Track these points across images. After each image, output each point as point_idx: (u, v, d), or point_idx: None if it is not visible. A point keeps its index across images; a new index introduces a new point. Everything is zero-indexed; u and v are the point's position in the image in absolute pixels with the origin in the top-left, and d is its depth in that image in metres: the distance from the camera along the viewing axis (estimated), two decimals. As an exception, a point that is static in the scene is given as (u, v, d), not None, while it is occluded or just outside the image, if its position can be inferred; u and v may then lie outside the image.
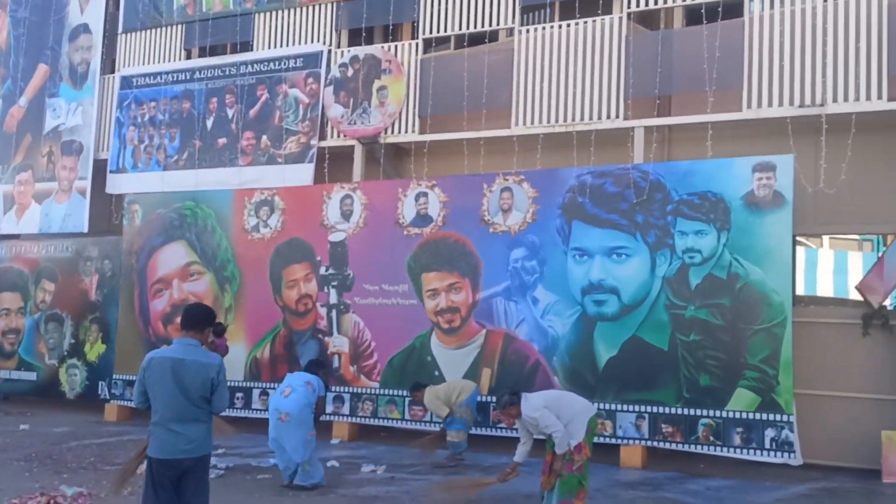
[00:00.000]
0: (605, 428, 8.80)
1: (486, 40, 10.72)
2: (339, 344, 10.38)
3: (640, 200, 8.96)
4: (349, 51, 11.40)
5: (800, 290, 9.94)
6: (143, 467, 4.77)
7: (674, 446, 8.60)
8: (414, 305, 9.98)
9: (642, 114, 9.71)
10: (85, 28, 13.75)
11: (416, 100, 10.84)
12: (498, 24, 10.59)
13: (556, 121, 10.02)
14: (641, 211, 8.95)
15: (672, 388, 8.59)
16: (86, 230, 13.01)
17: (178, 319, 4.86)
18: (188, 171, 12.21)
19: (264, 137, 11.70)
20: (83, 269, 12.70)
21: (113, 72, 13.47)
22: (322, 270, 10.60)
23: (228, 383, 4.65)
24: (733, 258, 8.51)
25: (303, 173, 11.33)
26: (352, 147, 11.21)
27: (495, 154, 10.39)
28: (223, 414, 5.07)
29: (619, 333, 8.89)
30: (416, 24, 11.18)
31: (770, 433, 8.14)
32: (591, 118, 9.85)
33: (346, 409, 10.24)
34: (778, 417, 8.11)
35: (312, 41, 11.71)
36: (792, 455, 8.05)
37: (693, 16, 9.86)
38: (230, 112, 12.05)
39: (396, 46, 11.13)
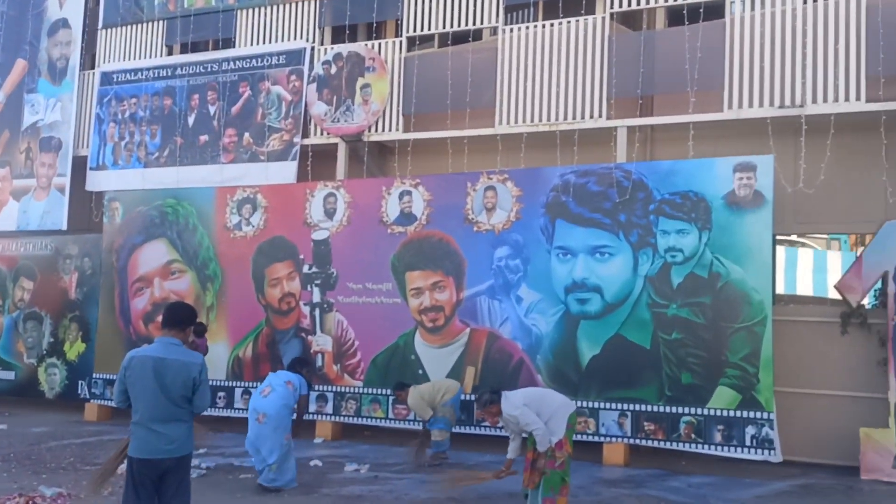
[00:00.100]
0: (588, 426, 8.86)
1: (470, 39, 10.75)
2: (322, 343, 10.36)
3: (622, 200, 9.02)
4: (332, 48, 11.36)
5: (780, 289, 10.06)
6: (123, 467, 4.74)
7: (656, 444, 8.67)
8: (398, 304, 9.98)
9: (625, 114, 9.77)
10: (64, 23, 13.59)
11: (400, 98, 10.83)
12: (482, 23, 10.60)
13: (540, 120, 10.06)
14: (624, 210, 9.01)
15: (654, 386, 8.66)
16: (65, 227, 12.87)
17: (160, 318, 4.83)
18: (169, 169, 12.11)
19: (246, 135, 11.63)
20: (62, 267, 12.56)
21: (93, 67, 13.34)
22: (305, 269, 10.56)
23: (210, 382, 4.61)
24: (714, 257, 8.59)
25: (286, 171, 11.28)
26: (335, 145, 11.18)
27: (479, 153, 10.41)
28: (205, 414, 5.05)
29: (602, 332, 8.94)
30: (399, 22, 11.17)
31: (750, 430, 8.23)
32: (574, 118, 9.90)
33: (329, 408, 10.22)
34: (758, 415, 8.20)
35: (295, 38, 11.65)
36: (772, 452, 8.15)
37: (675, 17, 9.94)
38: (212, 109, 11.96)
39: (380, 44, 11.11)
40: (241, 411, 10.51)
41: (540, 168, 9.73)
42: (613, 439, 8.80)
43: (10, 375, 12.77)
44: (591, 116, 9.81)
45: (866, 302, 9.07)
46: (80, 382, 12.08)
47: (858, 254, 9.04)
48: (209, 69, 12.06)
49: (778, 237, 9.76)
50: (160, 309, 10.45)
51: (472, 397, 9.16)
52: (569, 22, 10.03)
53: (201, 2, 12.39)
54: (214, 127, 11.88)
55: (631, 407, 8.75)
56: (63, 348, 12.34)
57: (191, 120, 12.10)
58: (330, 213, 10.53)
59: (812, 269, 11.13)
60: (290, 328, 10.57)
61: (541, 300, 9.27)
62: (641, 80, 9.53)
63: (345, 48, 11.21)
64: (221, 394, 10.79)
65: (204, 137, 11.94)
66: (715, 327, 8.47)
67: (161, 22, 12.72)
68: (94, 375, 11.75)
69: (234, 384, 10.82)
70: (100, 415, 11.65)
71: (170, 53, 12.72)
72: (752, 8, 9.23)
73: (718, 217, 8.60)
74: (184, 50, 12.57)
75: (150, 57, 12.72)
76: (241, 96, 11.77)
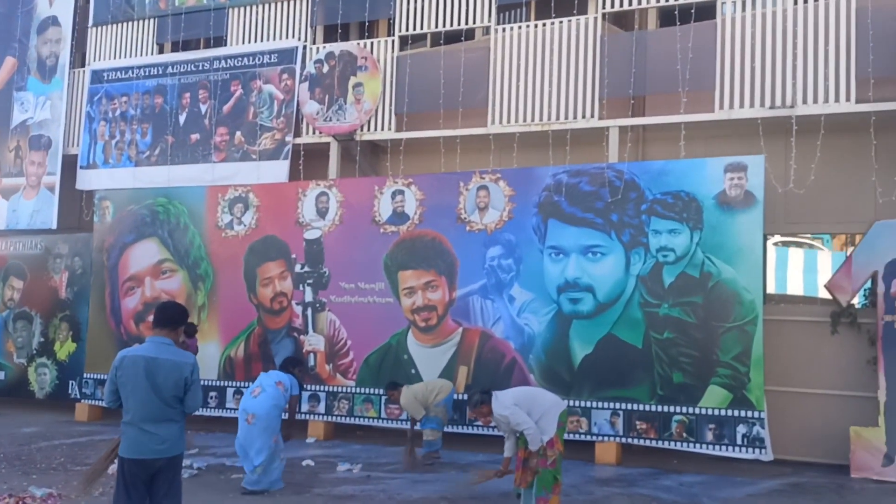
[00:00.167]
0: (580, 425, 8.88)
1: (463, 38, 10.75)
2: (314, 342, 10.34)
3: (614, 199, 9.04)
4: (325, 47, 11.34)
5: (770, 289, 10.11)
6: (114, 467, 4.71)
7: (648, 443, 8.70)
8: (390, 303, 9.97)
9: (617, 114, 9.80)
10: (54, 21, 13.51)
11: (393, 97, 10.82)
12: (474, 23, 10.61)
13: (532, 120, 10.07)
14: (616, 210, 9.03)
15: (646, 385, 8.69)
16: (55, 226, 12.81)
17: (151, 318, 4.80)
18: (160, 168, 12.07)
19: (238, 133, 11.60)
20: (53, 266, 12.50)
21: (83, 65, 13.27)
22: (297, 268, 10.54)
23: (202, 382, 4.60)
24: (706, 257, 8.63)
25: (277, 170, 11.25)
26: (327, 144, 11.16)
27: (472, 152, 10.42)
28: (196, 414, 5.03)
29: (595, 331, 8.97)
30: (392, 21, 11.17)
31: (742, 429, 8.27)
32: (566, 117, 9.92)
33: (321, 407, 10.21)
34: (749, 414, 8.25)
35: (287, 37, 11.63)
36: (763, 451, 8.19)
37: (666, 17, 9.98)
38: (203, 108, 11.92)
39: (372, 43, 11.10)
40: (232, 411, 10.47)
41: (532, 168, 9.74)
42: (605, 438, 8.83)
43: (0, 375, 12.69)
44: (584, 116, 9.84)
45: (856, 301, 9.14)
46: (70, 382, 12.02)
47: (848, 254, 9.10)
48: (200, 68, 12.02)
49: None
50: (151, 308, 10.46)
51: (465, 397, 9.18)
52: (561, 22, 10.06)
53: (192, 0, 12.34)
54: (206, 126, 11.84)
55: (623, 406, 8.78)
56: (53, 348, 12.27)
57: (182, 119, 12.06)
58: (322, 213, 10.51)
59: (802, 269, 11.19)
60: (283, 328, 10.54)
61: (533, 300, 9.28)
62: (633, 81, 9.57)
63: (337, 47, 11.19)
64: (213, 394, 10.76)
65: (195, 136, 11.90)
66: (706, 327, 8.51)
67: (152, 20, 12.66)
68: (84, 375, 11.69)
69: (226, 384, 10.79)
70: (90, 415, 11.60)
71: (161, 52, 12.67)
72: (744, 9, 9.28)
73: (710, 217, 8.64)
74: (175, 48, 12.52)
75: (141, 55, 12.66)
76: (233, 95, 11.73)
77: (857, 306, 9.12)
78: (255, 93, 11.58)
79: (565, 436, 6.30)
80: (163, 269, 11.37)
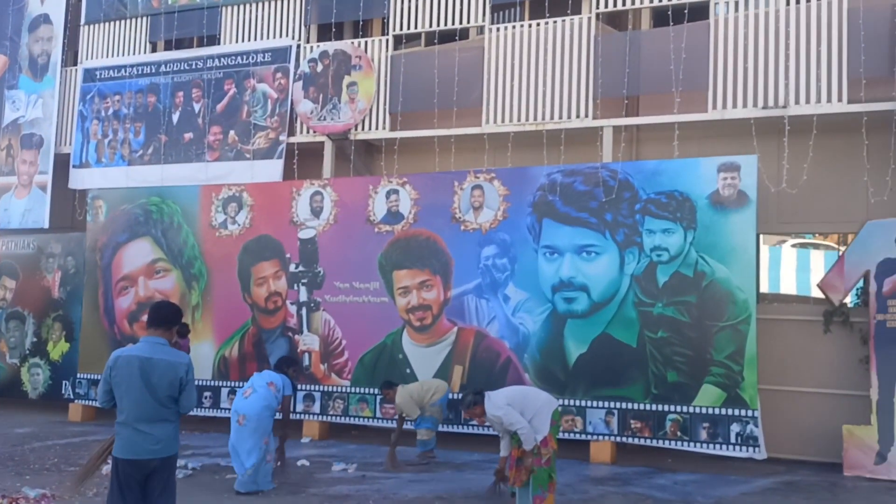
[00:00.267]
0: (575, 424, 8.92)
1: (457, 38, 10.75)
2: (309, 342, 10.33)
3: (609, 199, 9.07)
4: (319, 46, 11.32)
5: (764, 288, 10.16)
6: (107, 468, 4.70)
7: (642, 442, 8.73)
8: (385, 303, 9.98)
9: (611, 113, 9.83)
10: (45, 18, 13.44)
11: (387, 96, 10.82)
12: (468, 22, 10.62)
13: (527, 119, 10.09)
14: (610, 209, 9.06)
15: (640, 384, 8.73)
16: (47, 226, 12.75)
17: (145, 317, 4.79)
18: (153, 167, 12.03)
19: (232, 132, 11.57)
20: (45, 265, 12.44)
21: (75, 64, 13.21)
22: (292, 268, 10.53)
23: (196, 382, 4.59)
24: (699, 256, 8.67)
25: (271, 169, 11.23)
26: (321, 143, 11.15)
27: (466, 152, 10.44)
28: (191, 414, 5.02)
29: (589, 330, 8.99)
30: (386, 21, 11.16)
31: (735, 428, 8.32)
32: (560, 117, 9.94)
33: (316, 407, 10.20)
34: (743, 412, 8.29)
35: (281, 35, 11.61)
36: (756, 449, 8.24)
37: (660, 17, 10.00)
38: (197, 106, 11.89)
39: (366, 42, 11.09)
40: (227, 411, 10.44)
41: (527, 167, 9.76)
42: (600, 437, 8.86)
43: (-7, 375, 12.65)
44: (578, 116, 9.86)
45: (848, 301, 9.21)
46: (63, 382, 11.97)
47: (840, 253, 9.15)
48: (194, 66, 11.98)
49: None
50: (145, 308, 10.37)
51: (460, 396, 9.19)
52: (555, 22, 10.07)
53: (185, -2, 12.31)
54: (199, 125, 11.81)
55: (617, 405, 8.81)
56: (46, 348, 12.22)
57: (175, 117, 12.02)
58: (316, 212, 10.50)
59: (795, 268, 11.25)
60: (277, 327, 10.53)
61: (528, 299, 9.30)
62: (627, 81, 9.59)
63: (331, 46, 11.18)
64: (207, 394, 10.74)
65: (189, 135, 11.86)
66: (700, 326, 8.55)
67: (144, 18, 12.61)
68: (78, 375, 11.64)
69: (221, 384, 10.77)
70: (84, 415, 11.56)
71: (154, 50, 12.62)
72: (737, 10, 9.31)
73: (703, 216, 8.68)
74: (168, 47, 12.48)
75: (134, 54, 12.61)
76: (227, 94, 11.70)
77: (849, 305, 9.19)
78: (248, 92, 11.55)
79: (560, 434, 6.34)
80: (156, 268, 11.33)
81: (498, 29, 10.41)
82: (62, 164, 12.86)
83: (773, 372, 8.85)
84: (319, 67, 11.20)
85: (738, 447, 8.31)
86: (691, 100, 9.34)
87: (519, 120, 10.13)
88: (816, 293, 9.54)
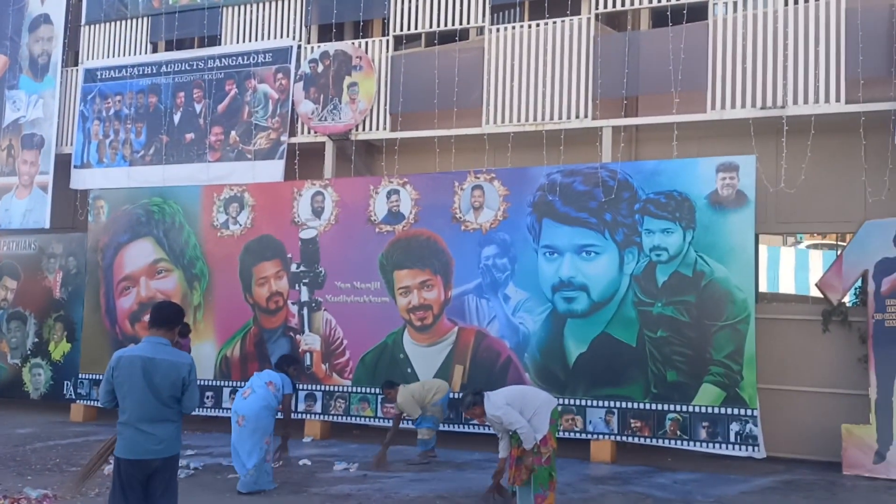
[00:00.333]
0: (575, 423, 8.96)
1: (457, 38, 10.79)
2: (310, 342, 10.37)
3: (608, 199, 9.11)
4: (319, 46, 11.35)
5: (762, 288, 10.21)
6: (109, 468, 4.71)
7: (642, 441, 8.77)
8: (386, 303, 10.01)
9: (610, 114, 9.87)
10: (45, 19, 13.46)
11: (387, 97, 10.85)
12: (468, 23, 10.65)
13: (526, 120, 10.13)
14: (610, 209, 9.10)
15: (640, 383, 8.77)
16: (48, 226, 12.77)
17: (146, 317, 4.81)
18: (155, 167, 12.06)
19: (233, 133, 11.61)
20: (47, 266, 12.47)
21: (76, 64, 13.23)
22: (293, 268, 10.56)
23: (198, 382, 4.61)
24: (698, 256, 8.71)
25: (273, 170, 11.26)
26: (322, 144, 11.18)
27: (466, 152, 10.47)
28: (193, 414, 5.04)
29: (589, 330, 9.03)
30: (386, 21, 11.19)
31: (735, 427, 8.36)
32: (560, 117, 9.98)
33: (318, 407, 10.24)
34: (742, 412, 8.34)
35: (282, 36, 11.64)
36: (756, 448, 8.28)
37: (659, 18, 10.04)
38: (198, 107, 11.92)
39: (367, 43, 11.12)
40: (228, 411, 10.45)
41: (526, 167, 9.79)
42: (600, 436, 8.91)
43: (-6, 376, 12.68)
44: (577, 116, 9.90)
45: (847, 300, 9.25)
46: (65, 383, 12.00)
47: (839, 253, 9.20)
48: (195, 67, 12.00)
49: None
50: (146, 308, 10.46)
51: (461, 395, 9.24)
52: (554, 22, 10.11)
53: (186, -1, 12.34)
54: (200, 125, 11.84)
55: (617, 404, 8.85)
56: (48, 348, 12.24)
57: (176, 118, 12.05)
58: (318, 212, 10.54)
59: (794, 268, 11.30)
60: (278, 327, 10.57)
61: (528, 299, 9.34)
62: (626, 81, 9.63)
63: (331, 46, 11.21)
64: (209, 393, 10.77)
65: (190, 135, 11.89)
66: (699, 325, 8.59)
67: (145, 19, 12.64)
68: (79, 376, 11.67)
69: (222, 384, 10.81)
70: (86, 415, 11.58)
71: (154, 51, 12.65)
72: (735, 10, 9.35)
73: (702, 216, 8.72)
74: (169, 47, 12.50)
75: (135, 54, 12.63)
76: (228, 94, 11.73)
77: (847, 305, 9.23)
78: (249, 92, 11.58)
79: (560, 434, 6.37)
80: (158, 268, 11.37)
81: (498, 29, 10.44)
82: (63, 165, 12.88)
83: (773, 371, 8.89)
84: (320, 68, 11.23)
85: (737, 446, 8.35)
86: (690, 100, 9.38)
87: (519, 120, 10.16)
88: (815, 293, 9.58)
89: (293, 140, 11.27)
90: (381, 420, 9.96)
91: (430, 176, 10.23)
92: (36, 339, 12.37)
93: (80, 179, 12.69)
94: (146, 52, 12.59)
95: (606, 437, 8.88)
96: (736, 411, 8.36)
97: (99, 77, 12.73)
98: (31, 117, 13.32)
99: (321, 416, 10.22)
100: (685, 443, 8.58)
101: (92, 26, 13.05)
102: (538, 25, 10.22)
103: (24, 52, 13.52)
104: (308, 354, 10.35)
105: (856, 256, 8.60)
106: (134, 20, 12.73)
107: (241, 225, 10.94)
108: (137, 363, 4.35)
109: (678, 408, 8.61)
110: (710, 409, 8.47)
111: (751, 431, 8.29)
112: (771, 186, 9.03)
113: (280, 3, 11.69)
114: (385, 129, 10.86)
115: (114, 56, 12.81)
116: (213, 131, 11.71)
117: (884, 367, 8.24)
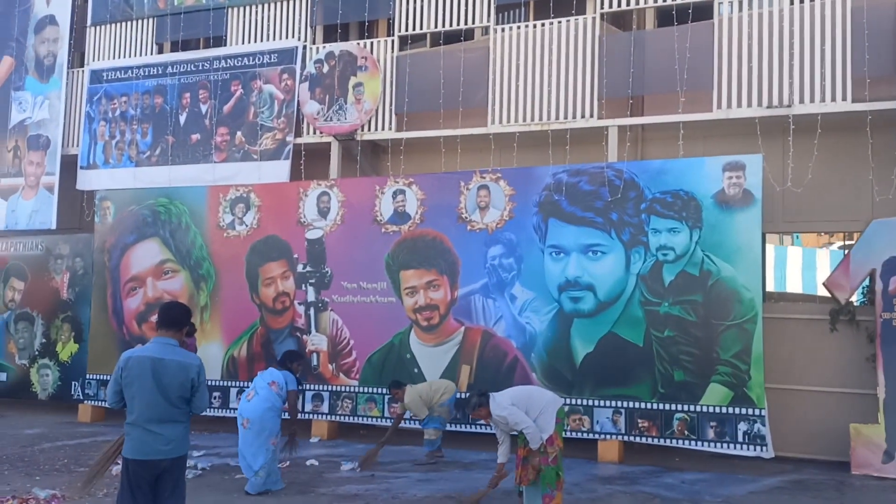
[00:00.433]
0: (582, 423, 8.96)
1: (462, 38, 10.78)
2: (317, 342, 10.39)
3: (614, 199, 9.10)
4: (324, 47, 11.36)
5: (770, 287, 10.19)
6: (117, 468, 4.71)
7: (650, 441, 8.77)
8: (392, 303, 10.02)
9: (616, 113, 9.86)
10: (51, 20, 13.49)
11: (393, 97, 10.85)
12: (473, 23, 10.65)
13: (532, 119, 10.12)
14: (616, 209, 9.09)
15: (647, 383, 8.76)
16: (54, 227, 12.81)
17: (154, 318, 4.82)
18: (161, 168, 12.08)
19: (239, 133, 11.62)
20: (54, 267, 12.50)
21: (82, 65, 13.26)
22: (299, 268, 10.58)
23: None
24: (705, 255, 8.69)
25: (279, 170, 11.28)
26: (328, 144, 11.19)
27: (472, 152, 10.47)
28: (200, 414, 5.05)
29: (596, 330, 9.03)
30: (391, 21, 11.19)
31: (742, 427, 8.35)
32: (565, 117, 9.97)
33: (325, 407, 10.26)
34: (750, 411, 8.33)
35: (287, 36, 11.65)
36: (764, 448, 8.27)
37: (664, 17, 10.03)
38: (203, 107, 11.94)
39: (372, 43, 11.13)
40: (235, 411, 10.49)
41: (532, 167, 9.79)
42: (608, 436, 8.91)
43: (2, 377, 12.69)
44: (583, 116, 9.89)
45: (855, 299, 9.22)
46: (73, 383, 12.03)
47: (846, 252, 9.18)
48: (200, 67, 12.02)
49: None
50: (153, 309, 10.50)
51: (468, 395, 9.23)
52: (560, 22, 10.10)
53: (191, 0, 12.35)
54: (206, 126, 11.86)
55: (625, 404, 8.85)
56: (55, 349, 12.27)
57: (182, 119, 12.07)
58: (324, 213, 10.55)
59: (801, 267, 11.27)
60: (285, 327, 10.59)
61: (534, 298, 9.34)
62: (632, 80, 9.62)
63: (337, 47, 11.21)
64: (217, 394, 10.80)
65: (196, 136, 11.91)
66: (706, 325, 8.58)
67: (151, 20, 12.66)
68: (87, 376, 11.71)
69: (230, 384, 10.83)
70: (93, 416, 11.63)
71: (160, 51, 12.67)
72: (741, 9, 9.33)
73: (709, 216, 8.70)
74: (174, 48, 12.52)
75: (141, 55, 12.66)
76: (233, 95, 11.75)
77: (855, 304, 9.20)
78: (255, 93, 11.60)
79: (567, 434, 6.36)
80: (164, 269, 11.39)
81: (503, 29, 10.44)
82: (69, 166, 12.91)
83: (780, 371, 8.88)
84: (325, 68, 11.24)
85: (745, 446, 8.34)
86: (696, 99, 9.37)
87: (524, 120, 10.16)
88: (823, 292, 9.56)
89: (299, 140, 11.28)
90: (388, 420, 9.95)
91: (435, 176, 10.24)
92: (43, 340, 12.40)
93: (87, 180, 12.72)
94: (152, 53, 12.62)
95: (614, 436, 8.88)
96: (744, 411, 8.35)
97: (105, 78, 12.76)
98: (37, 118, 13.36)
99: (328, 417, 10.24)
100: (693, 443, 8.58)
101: (97, 27, 13.08)
102: (543, 25, 10.21)
103: (30, 54, 13.55)
104: (315, 355, 10.37)
105: (863, 255, 8.58)
106: (139, 21, 12.76)
107: (247, 225, 10.96)
108: (147, 364, 4.37)
109: (686, 407, 8.60)
110: (717, 409, 8.46)
111: (759, 431, 8.28)
112: (777, 185, 9.02)
113: (285, 4, 11.70)
114: (391, 129, 10.87)
115: (119, 57, 12.84)
116: (219, 132, 11.73)
117: (892, 366, 8.22)
